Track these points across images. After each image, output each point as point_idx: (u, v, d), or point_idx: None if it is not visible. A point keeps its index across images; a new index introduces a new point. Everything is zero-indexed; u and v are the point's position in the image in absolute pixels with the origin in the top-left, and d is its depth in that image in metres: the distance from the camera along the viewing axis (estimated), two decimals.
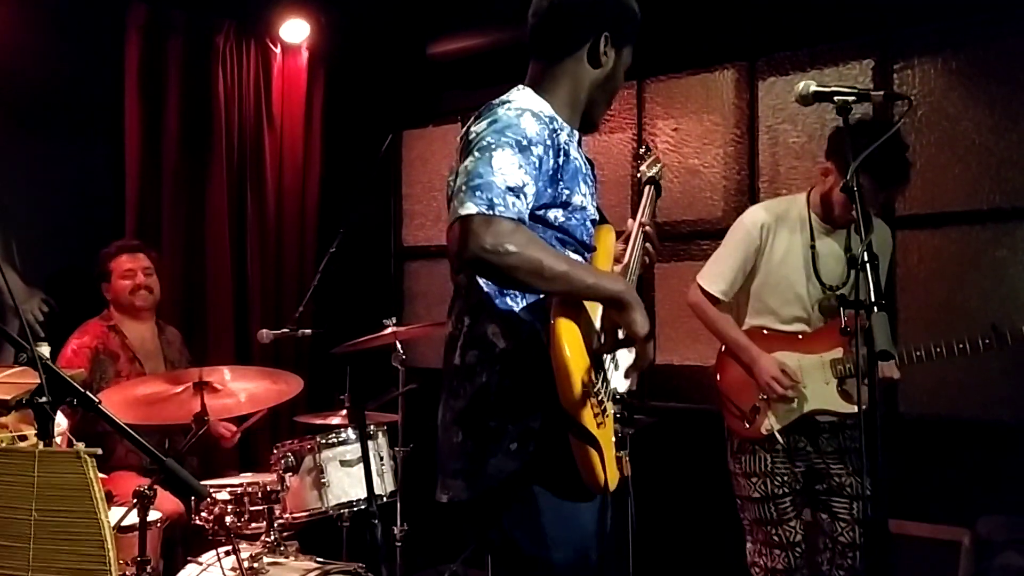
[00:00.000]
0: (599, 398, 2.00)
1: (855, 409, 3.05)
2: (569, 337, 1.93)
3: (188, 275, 4.74)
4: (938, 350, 3.06)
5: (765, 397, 3.20)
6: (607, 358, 2.10)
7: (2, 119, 4.13)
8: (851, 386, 3.12)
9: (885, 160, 2.89)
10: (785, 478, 3.23)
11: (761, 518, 3.26)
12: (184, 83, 4.70)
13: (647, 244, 2.31)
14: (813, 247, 3.20)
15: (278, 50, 5.09)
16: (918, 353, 3.08)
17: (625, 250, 2.29)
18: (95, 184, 4.49)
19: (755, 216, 3.31)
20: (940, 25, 3.86)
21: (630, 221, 2.34)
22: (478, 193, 1.83)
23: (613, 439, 2.05)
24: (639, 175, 2.63)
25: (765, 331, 3.27)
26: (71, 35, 4.34)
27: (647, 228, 2.30)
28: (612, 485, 2.00)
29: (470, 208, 1.82)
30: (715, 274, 3.31)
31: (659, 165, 2.62)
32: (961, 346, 3.03)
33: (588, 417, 1.93)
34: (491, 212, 1.81)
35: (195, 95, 4.74)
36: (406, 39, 5.12)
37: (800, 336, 3.23)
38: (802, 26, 4.15)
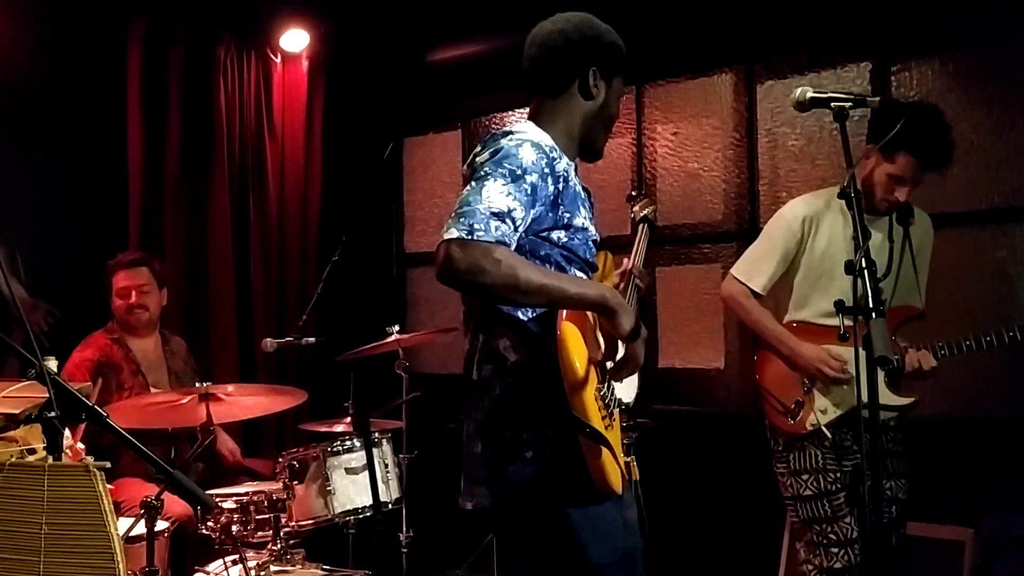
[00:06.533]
0: (605, 401, 2.10)
1: (905, 401, 3.05)
2: (574, 342, 2.02)
3: (191, 284, 4.76)
4: (975, 342, 3.05)
5: (808, 390, 3.11)
6: (609, 364, 2.19)
7: (5, 130, 4.16)
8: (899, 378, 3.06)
9: (929, 139, 2.93)
10: (837, 474, 3.10)
11: (814, 516, 3.11)
12: (185, 94, 4.72)
13: (638, 283, 2.43)
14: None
15: (278, 60, 5.12)
16: (967, 343, 3.06)
17: (619, 285, 2.39)
18: (98, 195, 4.50)
19: (796, 210, 3.21)
20: (937, 27, 3.87)
21: (626, 260, 2.45)
22: (461, 219, 1.98)
23: (620, 444, 2.14)
24: (632, 215, 2.74)
25: (807, 325, 3.15)
26: (73, 47, 4.36)
27: (639, 281, 2.42)
28: (619, 489, 2.08)
29: (451, 233, 1.97)
30: (754, 268, 3.21)
31: (652, 207, 2.74)
32: (988, 339, 3.03)
33: (596, 419, 2.02)
34: (469, 237, 1.95)
35: (196, 106, 4.77)
36: (406, 46, 5.14)
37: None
38: (799, 29, 4.16)
